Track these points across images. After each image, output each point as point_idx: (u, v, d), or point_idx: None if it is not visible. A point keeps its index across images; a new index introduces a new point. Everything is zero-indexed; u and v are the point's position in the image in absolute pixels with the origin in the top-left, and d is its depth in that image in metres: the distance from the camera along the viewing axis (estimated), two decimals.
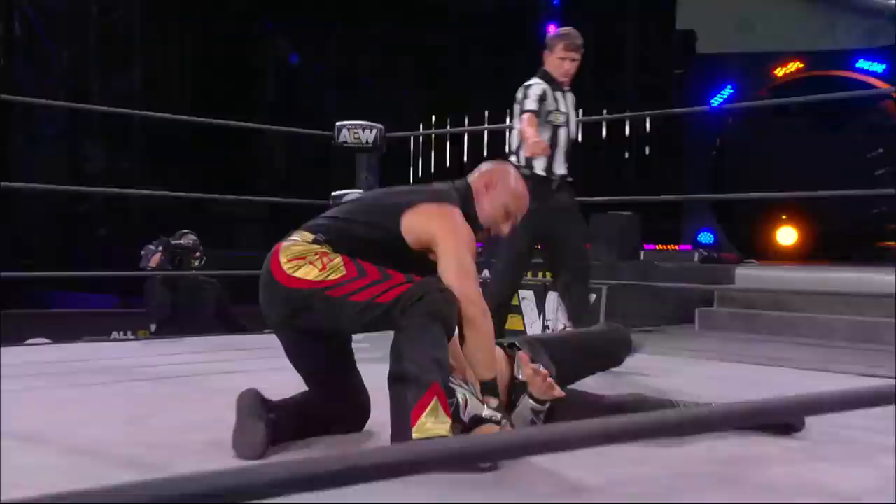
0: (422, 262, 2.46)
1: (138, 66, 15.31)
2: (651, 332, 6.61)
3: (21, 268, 9.72)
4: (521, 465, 2.24)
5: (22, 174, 14.56)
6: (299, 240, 2.48)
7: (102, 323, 8.00)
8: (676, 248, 9.73)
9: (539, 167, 4.28)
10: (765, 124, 11.69)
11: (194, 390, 3.46)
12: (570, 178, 4.50)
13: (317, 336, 2.51)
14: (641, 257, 8.82)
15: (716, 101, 12.29)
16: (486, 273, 5.71)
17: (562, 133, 4.37)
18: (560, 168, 4.39)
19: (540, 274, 8.52)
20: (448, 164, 15.45)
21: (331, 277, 2.37)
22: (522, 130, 4.17)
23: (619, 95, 12.60)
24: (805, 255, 11.88)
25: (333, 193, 5.60)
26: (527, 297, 8.74)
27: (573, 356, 2.79)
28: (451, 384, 2.34)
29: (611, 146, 14.25)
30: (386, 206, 2.55)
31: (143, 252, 5.87)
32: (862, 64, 11.28)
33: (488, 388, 2.44)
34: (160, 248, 5.76)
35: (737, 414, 1.34)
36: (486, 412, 2.36)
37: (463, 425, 2.34)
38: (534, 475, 2.19)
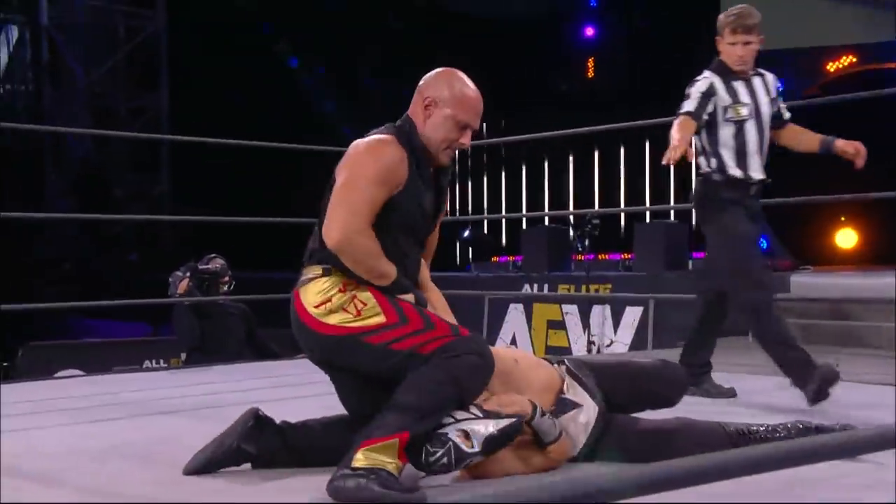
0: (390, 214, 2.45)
1: (165, 87, 15.46)
2: None
3: (49, 297, 9.84)
4: None
5: (50, 200, 14.79)
6: (312, 277, 2.47)
7: (134, 352, 8.04)
8: None
9: (732, 169, 3.83)
10: (818, 121, 11.47)
11: (215, 424, 3.40)
12: (768, 182, 4.01)
13: (355, 374, 2.49)
14: (690, 267, 8.66)
15: None
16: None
17: (749, 129, 3.87)
18: (756, 170, 3.88)
19: (583, 288, 8.46)
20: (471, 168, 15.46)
21: (369, 322, 2.38)
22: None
23: (658, 97, 12.45)
24: (867, 258, 11.61)
25: None
26: (570, 312, 8.67)
27: (618, 385, 2.71)
28: (444, 429, 2.32)
29: (653, 151, 14.10)
30: (331, 181, 2.53)
31: (170, 279, 5.88)
32: None
33: (396, 287, 2.44)
34: (187, 274, 5.76)
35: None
36: (502, 422, 2.34)
37: (478, 454, 2.32)
38: None
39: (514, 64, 15.79)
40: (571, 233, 9.03)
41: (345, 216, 2.38)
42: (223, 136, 6.45)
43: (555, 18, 16.21)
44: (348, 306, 2.40)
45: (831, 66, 11.94)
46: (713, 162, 3.87)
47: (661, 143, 13.60)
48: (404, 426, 2.28)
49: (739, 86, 3.89)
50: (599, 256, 9.85)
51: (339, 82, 15.52)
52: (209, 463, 2.52)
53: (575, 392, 2.64)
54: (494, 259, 11.15)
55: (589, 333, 8.02)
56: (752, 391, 4.20)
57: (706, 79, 3.89)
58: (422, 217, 2.56)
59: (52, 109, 15.23)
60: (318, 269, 2.48)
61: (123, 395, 4.17)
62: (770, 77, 4.02)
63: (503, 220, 14.47)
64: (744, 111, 3.85)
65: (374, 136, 2.53)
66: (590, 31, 15.71)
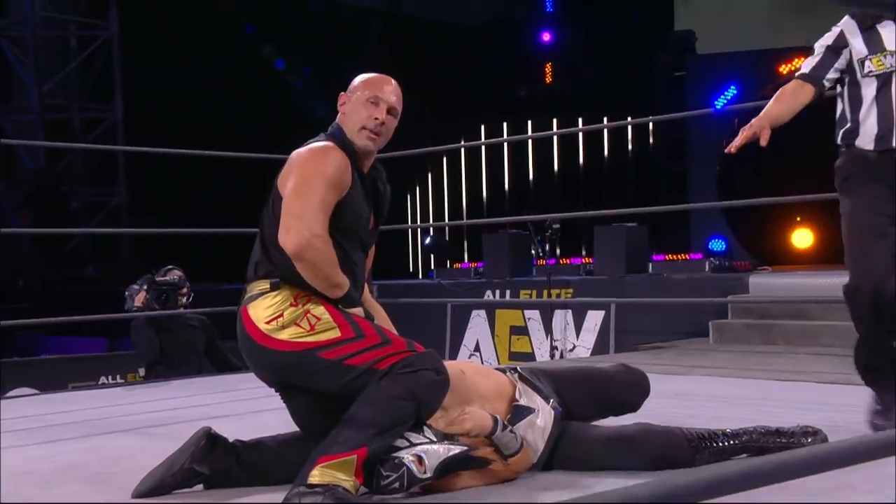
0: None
1: (119, 97, 15.29)
2: (662, 349, 6.49)
3: (2, 315, 9.65)
4: None
5: (2, 214, 14.56)
6: (260, 292, 2.42)
7: (90, 368, 7.90)
8: (686, 257, 9.60)
9: (868, 141, 3.01)
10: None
11: (171, 442, 3.32)
12: None
13: (309, 392, 2.44)
14: (650, 270, 8.69)
15: (719, 102, 12.20)
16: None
17: None
18: None
19: (545, 293, 8.46)
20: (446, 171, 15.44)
21: (322, 338, 2.34)
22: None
23: (615, 102, 12.52)
24: (822, 258, 11.71)
25: None
26: (533, 318, 8.67)
27: (580, 393, 2.69)
28: (398, 452, 2.29)
29: (612, 155, 14.19)
30: (273, 192, 2.50)
31: (127, 292, 5.77)
32: None
33: (346, 300, 2.41)
34: (144, 287, 5.66)
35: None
36: (454, 449, 2.32)
37: (431, 479, 2.30)
38: None
39: (473, 70, 15.82)
40: (533, 238, 9.02)
41: (302, 221, 2.33)
42: (183, 145, 6.37)
43: (512, 24, 16.28)
44: (301, 321, 2.35)
45: (784, 68, 12.06)
46: (849, 129, 3.11)
47: (620, 147, 13.60)
48: (361, 442, 2.24)
49: (886, 30, 3.00)
50: (561, 261, 9.86)
51: (327, 85, 15.48)
52: (160, 486, 2.45)
53: (529, 398, 2.60)
54: (456, 265, 11.12)
55: (552, 338, 8.02)
56: (712, 393, 4.21)
57: (836, 28, 3.10)
58: (365, 222, 2.54)
59: (3, 123, 15.02)
60: (265, 284, 2.42)
61: (76, 414, 4.08)
62: None
63: (464, 227, 14.45)
64: (889, 61, 2.97)
65: (315, 144, 2.49)
66: (547, 37, 15.77)
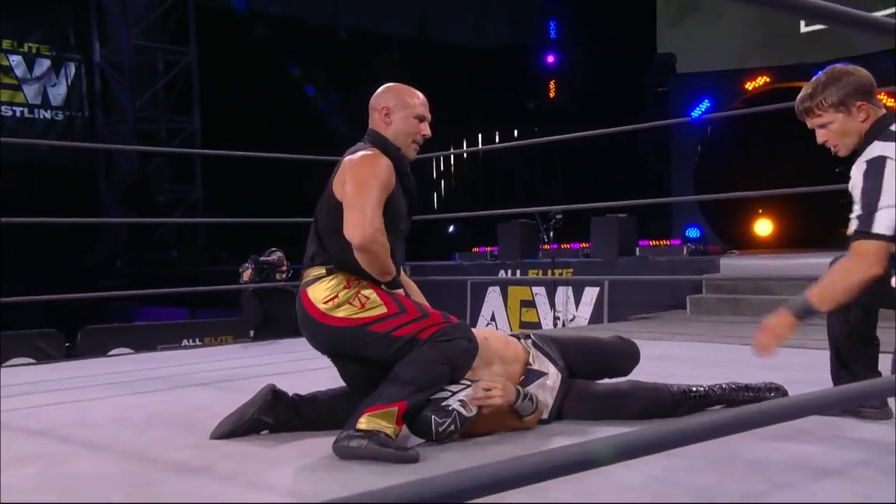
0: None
1: (197, 111, 15.36)
2: (648, 319, 6.44)
3: (106, 289, 9.74)
4: None
5: (103, 209, 14.69)
6: (317, 276, 2.39)
7: (175, 333, 7.94)
8: (668, 243, 9.51)
9: None
10: (740, 131, 11.46)
11: (240, 394, 3.33)
12: None
13: (359, 360, 2.42)
14: (637, 253, 8.62)
15: (695, 113, 12.07)
16: None
17: None
18: None
19: (549, 272, 8.40)
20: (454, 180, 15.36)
21: (372, 313, 2.32)
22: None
23: (609, 113, 12.40)
24: (779, 244, 11.64)
25: None
26: (539, 293, 8.63)
27: (582, 358, 2.66)
28: (445, 401, 2.28)
29: (606, 157, 14.08)
30: (327, 192, 2.45)
31: (240, 269, 5.86)
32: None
33: (392, 283, 2.38)
34: (251, 265, 5.75)
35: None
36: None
37: (476, 416, 2.31)
38: None
39: (489, 87, 15.75)
40: (539, 226, 8.96)
41: (366, 217, 2.29)
42: (249, 149, 6.37)
43: (521, 48, 16.18)
44: (353, 300, 2.33)
45: (750, 85, 11.91)
46: None
47: (613, 151, 13.43)
48: (402, 396, 2.23)
49: None
50: (563, 246, 9.79)
51: (349, 107, 15.47)
52: (232, 432, 2.45)
53: (540, 362, 2.58)
54: (475, 249, 11.08)
55: (555, 310, 7.98)
56: (690, 356, 4.17)
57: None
58: (405, 215, 2.51)
59: (103, 133, 15.11)
60: (321, 270, 2.39)
61: (163, 370, 4.09)
62: None
63: (482, 217, 14.41)
64: None
65: (365, 152, 2.43)
66: (551, 59, 15.65)
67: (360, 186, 2.34)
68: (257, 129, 13.76)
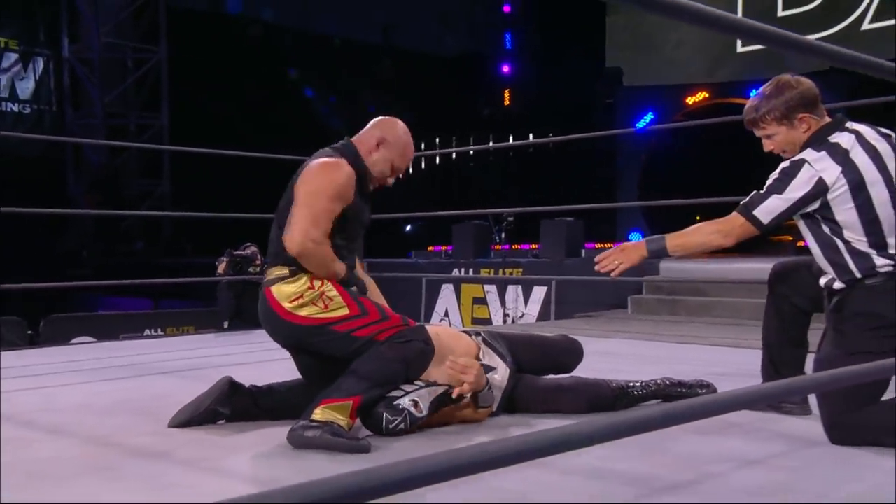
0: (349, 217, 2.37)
1: (166, 107, 15.12)
2: (592, 317, 6.52)
3: (72, 278, 9.51)
4: None
5: (71, 201, 14.35)
6: (281, 275, 2.37)
7: (138, 323, 7.79)
8: (612, 245, 9.63)
9: None
10: (681, 143, 11.66)
11: (200, 383, 3.29)
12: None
13: (317, 355, 2.41)
14: (583, 255, 8.72)
15: (640, 124, 12.24)
16: None
17: None
18: None
19: (501, 271, 8.45)
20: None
21: (335, 314, 2.31)
22: None
23: (559, 122, 12.51)
24: (715, 250, 11.84)
25: None
26: (490, 291, 8.67)
27: (529, 355, 2.68)
28: (398, 400, 2.30)
29: (556, 163, 14.19)
30: (288, 192, 2.43)
31: (216, 262, 5.80)
32: (755, 92, 11.22)
33: (343, 283, 2.36)
34: (225, 259, 5.69)
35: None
36: (438, 389, 2.34)
37: (426, 417, 2.32)
38: None
39: (447, 94, 15.76)
40: (492, 228, 9.00)
41: (305, 227, 2.28)
42: (217, 146, 6.26)
43: (479, 58, 16.23)
44: (318, 301, 2.32)
45: (690, 99, 12.12)
46: None
47: (563, 157, 13.54)
48: (358, 391, 2.23)
49: None
50: (514, 247, 9.86)
51: (347, 109, 15.33)
52: (189, 421, 2.42)
53: (490, 357, 2.60)
54: (431, 248, 11.09)
55: (505, 308, 8.03)
56: (631, 353, 4.23)
57: None
58: (361, 227, 2.50)
59: (73, 127, 14.78)
60: (284, 270, 2.37)
61: (126, 359, 4.01)
62: None
63: (438, 218, 14.42)
64: None
65: (327, 160, 2.41)
66: (506, 69, 15.74)
67: (309, 195, 2.32)
68: (225, 126, 13.57)
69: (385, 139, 2.47)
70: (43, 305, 8.33)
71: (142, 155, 14.91)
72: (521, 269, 8.43)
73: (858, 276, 2.18)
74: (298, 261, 2.30)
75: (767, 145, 2.37)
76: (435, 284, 8.84)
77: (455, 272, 9.02)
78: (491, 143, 12.93)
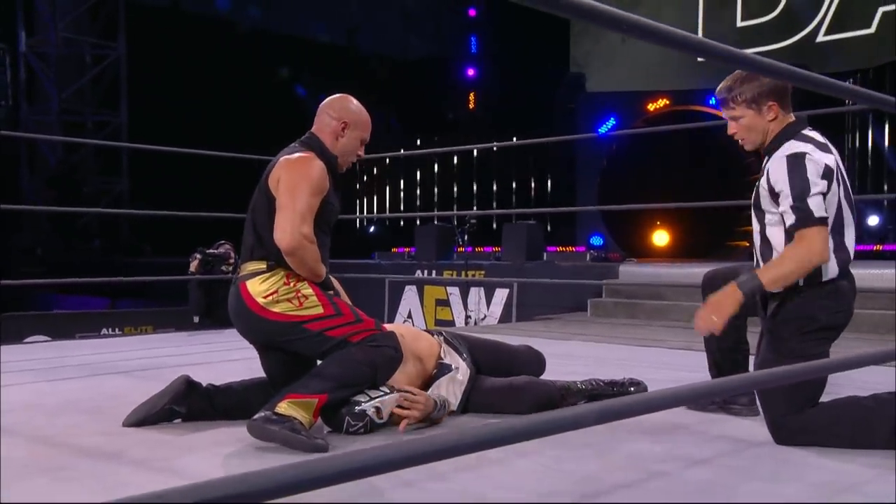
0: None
1: (124, 104, 14.89)
2: (551, 319, 6.57)
3: (26, 276, 9.31)
4: None
5: (26, 198, 14.04)
6: (257, 270, 2.36)
7: (94, 321, 7.68)
8: (573, 249, 9.72)
9: None
10: (641, 149, 11.82)
11: (156, 383, 3.25)
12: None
13: (286, 353, 2.41)
14: (544, 258, 8.79)
15: (602, 129, 12.38)
16: None
17: None
18: None
19: (463, 273, 8.48)
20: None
21: (309, 313, 2.30)
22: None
23: (522, 125, 12.60)
24: (675, 254, 12.02)
25: None
26: (453, 293, 8.70)
27: (490, 359, 2.71)
28: (361, 405, 2.31)
29: (518, 167, 14.28)
30: (261, 187, 2.43)
31: (189, 259, 5.73)
32: (714, 100, 11.42)
33: (322, 285, 2.38)
34: (198, 257, 5.61)
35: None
36: (395, 396, 2.35)
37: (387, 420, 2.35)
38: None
39: (413, 97, 15.77)
40: (455, 230, 9.02)
41: (296, 224, 2.27)
42: (175, 145, 6.18)
43: (444, 61, 16.27)
44: (293, 298, 2.30)
45: (651, 106, 12.29)
46: None
47: (525, 161, 13.66)
48: (325, 390, 2.23)
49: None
50: (477, 249, 9.89)
51: (311, 108, 15.23)
52: (144, 420, 2.39)
53: (451, 357, 2.63)
54: (394, 250, 11.08)
55: (467, 309, 8.05)
56: (588, 355, 4.28)
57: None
58: (336, 217, 2.51)
59: (27, 122, 14.47)
60: (261, 265, 2.36)
61: (81, 358, 3.95)
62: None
63: (401, 219, 14.42)
64: None
65: (301, 154, 2.40)
66: (471, 72, 15.79)
67: (292, 190, 2.31)
68: (184, 124, 13.41)
69: (347, 121, 2.49)
70: None
71: (100, 153, 14.66)
72: (483, 272, 8.47)
73: (801, 283, 2.23)
74: (288, 258, 2.29)
75: (732, 127, 2.38)
76: (398, 286, 8.83)
77: (418, 273, 9.03)
78: (455, 147, 13.00)
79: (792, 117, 2.35)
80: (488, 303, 8.14)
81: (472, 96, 15.74)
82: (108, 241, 14.04)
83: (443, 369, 2.59)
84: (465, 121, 15.48)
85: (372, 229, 14.98)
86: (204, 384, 2.50)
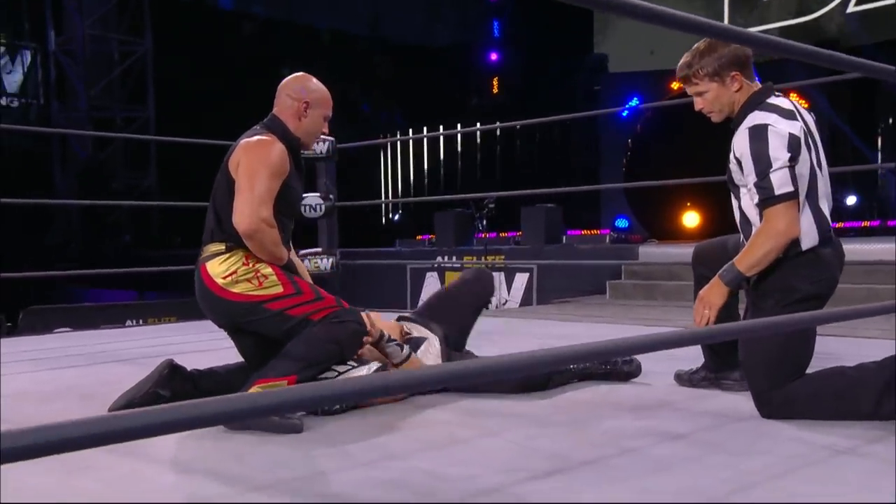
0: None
1: (152, 100, 15.09)
2: (568, 303, 6.51)
3: (56, 269, 9.50)
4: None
5: (58, 193, 14.33)
6: (216, 252, 2.36)
7: (120, 313, 7.81)
8: (597, 232, 9.61)
9: None
10: (666, 127, 11.62)
11: (152, 369, 3.29)
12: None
13: (253, 335, 2.41)
14: (563, 241, 8.71)
15: (625, 112, 12.20)
16: None
17: None
18: None
19: (483, 258, 8.43)
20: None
21: (269, 292, 2.30)
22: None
23: (546, 109, 12.47)
24: (708, 235, 11.78)
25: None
26: (431, 277, 8.73)
27: (453, 308, 2.73)
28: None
29: (540, 150, 14.16)
30: (222, 170, 2.42)
31: None
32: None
33: (287, 266, 2.38)
34: None
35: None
36: (372, 368, 2.35)
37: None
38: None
39: (437, 82, 15.72)
40: (474, 215, 8.99)
41: (255, 207, 2.26)
42: (202, 137, 6.23)
43: (468, 47, 16.18)
44: (252, 278, 2.30)
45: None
46: None
47: (548, 145, 13.51)
48: (292, 371, 2.23)
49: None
50: (500, 234, 9.84)
51: (342, 108, 15.31)
52: (128, 404, 2.41)
53: (418, 330, 2.63)
54: (417, 237, 11.08)
55: None
56: (588, 335, 4.23)
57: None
58: (298, 200, 2.49)
59: (58, 119, 14.74)
60: (220, 246, 2.36)
61: (89, 347, 4.00)
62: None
63: (423, 206, 14.44)
64: None
65: (261, 137, 2.39)
66: (494, 56, 15.68)
67: (251, 174, 2.30)
68: (211, 117, 13.55)
69: (308, 101, 2.47)
70: (30, 299, 8.33)
71: (128, 147, 14.89)
72: (503, 256, 8.42)
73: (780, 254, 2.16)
74: (248, 241, 2.29)
75: (698, 103, 2.34)
76: (419, 273, 8.83)
77: (438, 259, 9.02)
78: (478, 126, 12.94)
79: (758, 85, 2.28)
80: (509, 287, 8.10)
81: (495, 81, 15.64)
82: (139, 234, 14.27)
83: (415, 343, 2.61)
84: (489, 106, 15.40)
85: (396, 218, 15.00)
86: (188, 369, 2.51)
